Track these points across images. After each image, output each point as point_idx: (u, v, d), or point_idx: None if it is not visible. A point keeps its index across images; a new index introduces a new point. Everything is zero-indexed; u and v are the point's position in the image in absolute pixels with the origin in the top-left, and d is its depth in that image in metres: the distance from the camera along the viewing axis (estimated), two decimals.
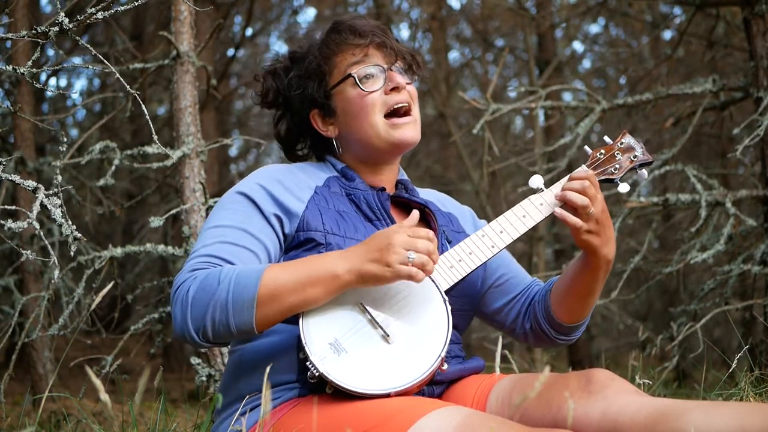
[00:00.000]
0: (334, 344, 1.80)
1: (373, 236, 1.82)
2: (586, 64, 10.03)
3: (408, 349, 1.83)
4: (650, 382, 2.76)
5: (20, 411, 4.02)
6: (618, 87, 9.32)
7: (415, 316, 1.86)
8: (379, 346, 1.82)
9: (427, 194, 2.31)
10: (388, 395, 1.77)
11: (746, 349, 2.86)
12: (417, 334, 1.84)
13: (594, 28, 10.08)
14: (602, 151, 2.11)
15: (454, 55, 10.14)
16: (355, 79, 2.05)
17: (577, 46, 9.80)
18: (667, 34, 8.31)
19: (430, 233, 1.81)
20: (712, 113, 4.78)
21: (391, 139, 2.05)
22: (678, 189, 5.64)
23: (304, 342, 1.79)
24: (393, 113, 2.06)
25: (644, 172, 2.12)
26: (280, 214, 1.97)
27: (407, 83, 2.09)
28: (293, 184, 2.03)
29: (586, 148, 2.13)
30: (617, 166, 2.09)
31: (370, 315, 1.84)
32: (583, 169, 2.06)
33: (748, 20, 3.96)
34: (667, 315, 6.50)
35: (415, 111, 2.10)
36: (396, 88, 2.05)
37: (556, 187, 2.03)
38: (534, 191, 2.04)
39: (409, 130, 2.06)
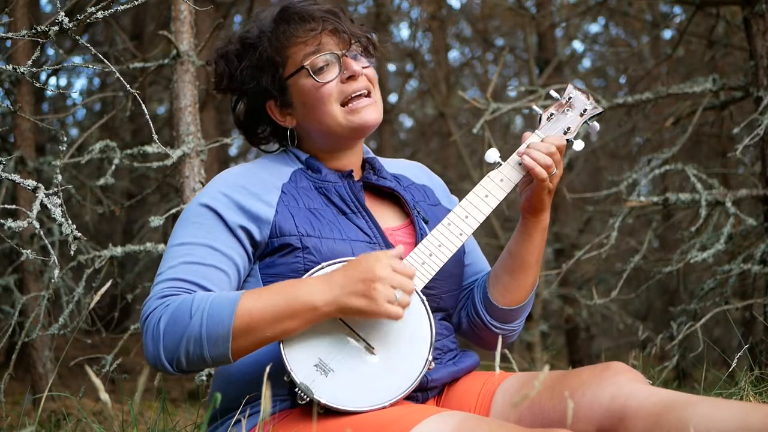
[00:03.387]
0: (319, 365, 1.77)
1: (354, 265, 1.76)
2: (586, 63, 10.02)
3: (395, 358, 1.80)
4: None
5: (20, 410, 4.02)
6: (618, 86, 9.31)
7: (395, 323, 1.82)
8: (365, 360, 1.79)
9: (396, 165, 2.24)
10: (382, 408, 1.76)
11: (746, 349, 2.86)
12: (401, 341, 1.81)
13: (594, 28, 10.08)
14: (552, 111, 2.05)
15: (454, 55, 10.14)
16: (308, 70, 1.98)
17: (577, 45, 9.79)
18: (667, 34, 8.30)
19: (413, 270, 1.78)
20: (712, 113, 4.77)
21: (351, 125, 1.99)
22: (678, 188, 5.63)
23: (289, 368, 1.75)
24: (350, 100, 2.00)
25: (596, 124, 2.08)
26: (247, 225, 1.90)
27: (365, 67, 2.02)
28: (258, 187, 1.96)
29: (535, 107, 2.08)
30: (569, 125, 2.04)
31: (350, 328, 1.80)
32: (536, 136, 2.02)
33: (748, 20, 3.96)
34: (667, 314, 6.50)
35: (375, 94, 2.03)
36: (352, 77, 1.99)
37: (514, 158, 2.00)
38: (492, 166, 2.00)
39: (369, 112, 2.00)
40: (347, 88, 1.99)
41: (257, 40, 2.03)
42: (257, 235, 1.91)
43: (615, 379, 1.79)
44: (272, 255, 1.92)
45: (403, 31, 9.17)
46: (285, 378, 1.77)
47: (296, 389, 1.75)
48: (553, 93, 2.08)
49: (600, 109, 2.06)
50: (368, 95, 2.02)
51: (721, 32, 5.83)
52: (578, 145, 2.03)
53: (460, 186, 8.85)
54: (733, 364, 2.66)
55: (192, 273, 1.85)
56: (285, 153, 2.11)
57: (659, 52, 7.94)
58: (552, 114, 2.05)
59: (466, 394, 1.99)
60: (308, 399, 1.74)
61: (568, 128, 2.04)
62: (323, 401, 1.74)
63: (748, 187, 4.22)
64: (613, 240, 4.09)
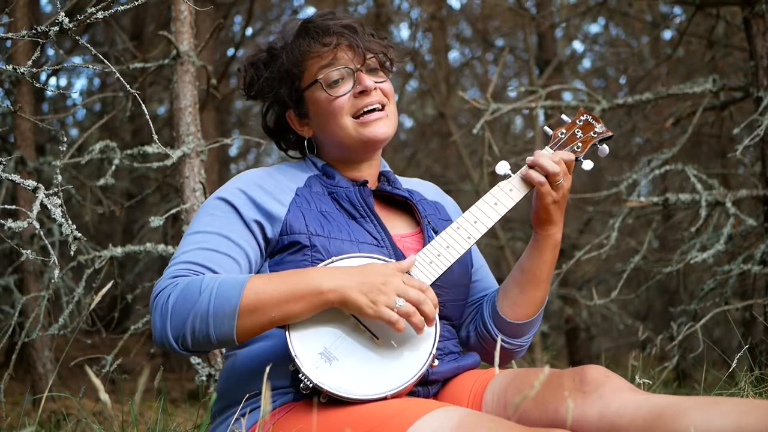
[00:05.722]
0: (324, 353, 1.79)
1: (369, 267, 1.81)
2: (586, 63, 10.02)
3: (399, 350, 1.82)
4: (650, 382, 2.76)
5: (20, 411, 4.02)
6: (618, 87, 9.31)
7: None
8: (369, 350, 1.81)
9: (411, 183, 2.30)
10: (384, 398, 1.77)
11: (746, 349, 2.86)
12: (406, 335, 1.83)
13: (594, 28, 10.09)
14: (563, 130, 2.14)
15: (454, 55, 10.14)
16: (321, 84, 2.04)
17: (577, 45, 9.79)
18: (667, 34, 8.31)
19: (425, 285, 1.81)
20: (712, 113, 4.78)
21: (361, 137, 2.04)
22: (678, 189, 5.64)
23: (294, 354, 1.77)
24: (363, 114, 2.05)
25: (605, 147, 2.15)
26: (261, 220, 1.97)
27: (380, 82, 2.07)
28: (274, 187, 2.02)
29: (546, 128, 2.15)
30: (579, 144, 2.12)
31: (357, 319, 1.83)
32: (546, 150, 2.08)
33: (748, 20, 3.96)
34: (667, 315, 6.50)
35: (390, 108, 2.08)
36: (364, 92, 2.04)
37: (523, 170, 2.05)
38: (502, 177, 2.05)
39: (380, 126, 2.05)
40: (359, 103, 2.04)
41: (280, 51, 2.10)
42: (269, 232, 1.97)
43: (600, 392, 1.75)
44: (282, 252, 1.96)
45: (403, 32, 9.19)
46: (290, 366, 1.80)
47: (300, 375, 1.76)
48: (564, 117, 2.17)
49: (609, 133, 2.14)
50: (382, 109, 2.06)
51: (721, 32, 5.83)
52: (587, 165, 2.10)
53: (460, 186, 8.86)
54: (733, 365, 2.66)
55: (205, 258, 1.90)
56: (304, 160, 2.18)
57: (659, 53, 7.94)
58: (563, 133, 2.13)
59: (459, 391, 1.99)
60: (311, 387, 1.76)
61: (579, 146, 2.11)
62: (326, 388, 1.75)
63: (748, 188, 4.22)
64: (613, 240, 4.10)
